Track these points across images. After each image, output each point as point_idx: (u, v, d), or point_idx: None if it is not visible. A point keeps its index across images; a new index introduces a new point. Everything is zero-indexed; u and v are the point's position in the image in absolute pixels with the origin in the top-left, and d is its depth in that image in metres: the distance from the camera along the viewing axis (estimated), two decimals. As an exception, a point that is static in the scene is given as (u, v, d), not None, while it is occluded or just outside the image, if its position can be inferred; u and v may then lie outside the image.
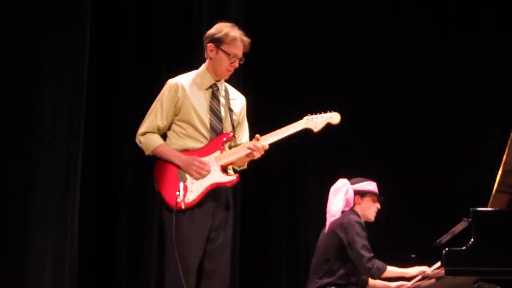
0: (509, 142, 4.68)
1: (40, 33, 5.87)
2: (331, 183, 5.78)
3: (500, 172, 4.76)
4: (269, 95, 7.25)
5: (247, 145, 4.57)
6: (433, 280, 4.87)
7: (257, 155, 4.55)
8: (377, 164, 7.08)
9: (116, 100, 6.41)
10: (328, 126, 4.72)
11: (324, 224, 5.68)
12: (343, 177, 5.76)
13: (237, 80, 6.85)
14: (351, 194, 5.63)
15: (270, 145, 4.59)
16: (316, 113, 4.70)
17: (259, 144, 4.54)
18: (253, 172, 7.00)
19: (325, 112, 4.73)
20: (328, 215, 5.66)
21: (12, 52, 5.76)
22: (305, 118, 4.69)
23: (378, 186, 5.73)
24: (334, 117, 4.72)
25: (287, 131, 4.63)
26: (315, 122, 4.68)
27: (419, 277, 5.29)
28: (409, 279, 5.47)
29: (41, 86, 5.84)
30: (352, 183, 5.67)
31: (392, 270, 5.44)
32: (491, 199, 4.79)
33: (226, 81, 4.82)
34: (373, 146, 7.56)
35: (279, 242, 7.41)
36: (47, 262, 5.71)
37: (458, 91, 7.63)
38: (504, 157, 4.72)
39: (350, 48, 7.64)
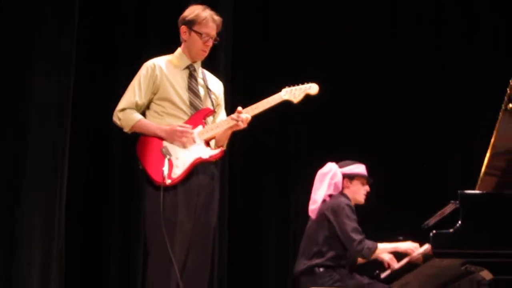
0: (497, 125, 4.68)
1: (32, 30, 5.90)
2: (321, 166, 5.77)
3: (488, 154, 4.75)
4: (256, 81, 7.26)
5: (231, 117, 4.60)
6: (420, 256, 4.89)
7: (241, 125, 4.60)
8: (367, 147, 7.09)
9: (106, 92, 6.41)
10: (308, 97, 4.76)
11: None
12: (333, 160, 5.75)
13: (225, 66, 6.91)
14: (339, 177, 5.63)
15: (253, 118, 4.64)
16: (294, 85, 4.73)
17: (243, 116, 4.58)
18: (242, 154, 7.07)
19: (302, 83, 4.76)
20: (310, 202, 5.66)
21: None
22: (283, 90, 4.76)
23: (367, 169, 5.72)
24: (312, 88, 4.80)
25: (267, 104, 4.69)
26: (294, 93, 4.75)
27: (407, 258, 5.30)
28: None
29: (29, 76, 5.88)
30: (340, 167, 5.67)
31: (383, 247, 5.46)
32: (478, 182, 4.78)
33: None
34: (364, 129, 7.56)
35: (267, 223, 7.42)
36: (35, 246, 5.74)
37: (451, 74, 7.63)
38: (492, 139, 4.71)
39: (342, 29, 7.64)
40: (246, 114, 4.61)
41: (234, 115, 4.62)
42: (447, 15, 7.85)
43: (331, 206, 5.54)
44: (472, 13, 7.81)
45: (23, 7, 5.93)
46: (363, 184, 5.70)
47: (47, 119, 5.94)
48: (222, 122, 4.66)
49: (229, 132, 4.69)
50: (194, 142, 4.56)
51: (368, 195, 5.76)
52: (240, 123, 4.59)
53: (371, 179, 5.72)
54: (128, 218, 6.44)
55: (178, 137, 4.52)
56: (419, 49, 7.73)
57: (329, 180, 5.62)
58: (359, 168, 5.69)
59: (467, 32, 7.82)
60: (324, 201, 5.62)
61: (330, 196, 5.61)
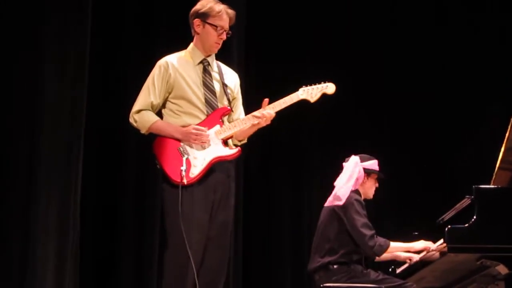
0: (511, 120, 4.68)
1: (41, 22, 5.93)
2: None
3: (502, 149, 4.76)
4: (269, 70, 7.26)
5: (250, 118, 4.60)
6: (438, 254, 4.87)
7: (263, 123, 4.59)
8: (379, 142, 7.08)
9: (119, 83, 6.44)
10: (325, 96, 4.76)
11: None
12: (346, 156, 5.73)
13: (238, 55, 6.91)
14: (362, 173, 5.60)
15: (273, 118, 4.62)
16: (311, 84, 4.74)
17: (266, 112, 4.57)
18: (256, 150, 7.08)
19: (319, 83, 4.78)
20: (333, 197, 5.58)
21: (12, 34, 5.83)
22: (300, 89, 4.74)
23: (380, 164, 5.72)
24: (329, 88, 4.79)
25: (284, 104, 4.67)
26: (311, 93, 4.74)
27: (425, 252, 5.29)
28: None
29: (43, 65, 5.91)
30: (361, 160, 5.63)
31: (396, 246, 5.43)
32: (493, 177, 4.79)
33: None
34: (374, 123, 7.55)
35: (282, 218, 7.42)
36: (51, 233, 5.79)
37: (460, 67, 7.61)
38: (507, 134, 4.72)
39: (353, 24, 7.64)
40: (270, 111, 4.60)
41: (258, 112, 4.60)
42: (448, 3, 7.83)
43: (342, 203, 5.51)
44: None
45: (33, 5, 5.97)
46: (376, 181, 5.69)
47: (61, 118, 5.97)
48: (240, 121, 4.65)
49: (252, 130, 4.66)
50: (209, 143, 4.57)
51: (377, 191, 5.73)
52: (261, 120, 4.56)
53: (382, 174, 5.69)
54: (142, 215, 6.46)
55: (193, 140, 4.53)
56: (425, 44, 7.71)
57: (356, 175, 5.58)
58: (375, 165, 5.67)
59: (473, 23, 7.78)
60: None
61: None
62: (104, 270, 6.40)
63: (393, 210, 6.80)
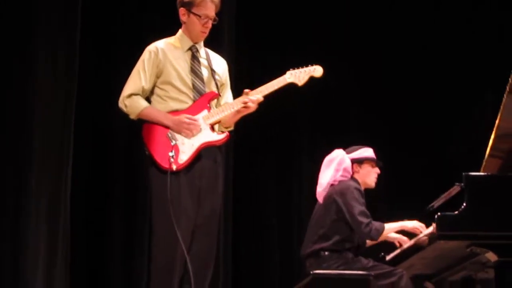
0: (501, 107, 4.67)
1: (33, 23, 5.94)
2: (325, 150, 5.76)
3: (492, 136, 4.76)
4: (260, 57, 7.25)
5: (237, 102, 4.59)
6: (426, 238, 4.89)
7: (251, 106, 4.58)
8: (370, 131, 7.08)
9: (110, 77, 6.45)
10: (312, 79, 4.75)
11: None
12: (337, 145, 5.74)
13: (229, 41, 6.91)
14: (348, 163, 5.62)
15: (260, 106, 4.62)
16: (298, 68, 4.73)
17: (253, 97, 4.57)
18: (246, 140, 7.07)
19: (307, 66, 4.77)
20: (318, 186, 5.66)
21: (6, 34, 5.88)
22: (288, 72, 4.74)
23: (375, 152, 5.72)
24: (317, 70, 4.79)
25: (271, 87, 4.67)
26: (298, 76, 4.74)
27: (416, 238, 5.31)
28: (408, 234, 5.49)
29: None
30: (348, 152, 5.66)
31: (390, 227, 5.46)
32: (483, 164, 4.79)
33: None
34: (366, 112, 7.55)
35: (271, 208, 7.42)
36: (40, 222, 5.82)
37: (452, 55, 7.61)
38: (497, 121, 4.71)
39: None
40: (256, 95, 4.60)
41: (242, 98, 4.60)
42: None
43: (340, 189, 5.52)
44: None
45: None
46: (372, 167, 5.69)
47: (51, 110, 6.00)
48: (227, 105, 4.63)
49: (238, 116, 4.66)
50: (200, 132, 4.56)
51: (378, 179, 5.74)
52: (250, 104, 4.56)
53: (380, 162, 5.70)
54: (133, 205, 6.47)
55: (184, 129, 4.52)
56: (420, 30, 7.70)
57: (336, 166, 5.61)
58: (367, 152, 5.68)
59: (468, 9, 7.77)
60: (332, 185, 5.61)
61: (340, 181, 5.60)
62: (95, 259, 6.43)
63: (385, 197, 6.80)
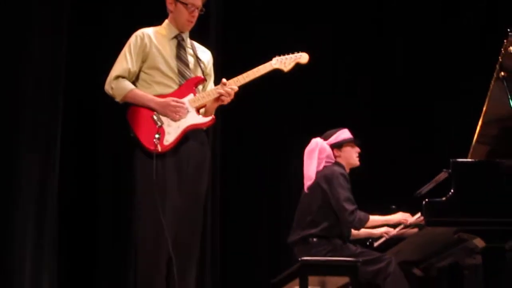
0: (489, 93, 4.69)
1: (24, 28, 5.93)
2: (309, 138, 5.76)
3: (480, 122, 4.77)
4: (247, 46, 7.25)
5: (217, 90, 4.61)
6: (416, 229, 4.90)
7: (226, 99, 4.61)
8: (356, 115, 7.09)
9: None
10: (298, 65, 4.79)
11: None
12: (320, 132, 5.75)
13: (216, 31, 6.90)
14: (328, 150, 5.63)
15: (241, 87, 4.64)
16: (284, 54, 4.75)
17: (228, 88, 4.59)
18: (233, 130, 7.07)
19: (293, 53, 4.80)
20: (305, 179, 5.66)
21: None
22: (274, 59, 4.78)
23: (351, 132, 5.72)
24: (303, 57, 4.84)
25: (258, 72, 4.70)
26: (284, 62, 4.78)
27: (402, 226, 5.33)
28: (393, 226, 5.50)
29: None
30: (325, 139, 5.67)
31: (375, 219, 5.48)
32: (471, 150, 4.81)
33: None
34: (351, 95, 7.55)
35: (259, 192, 7.43)
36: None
37: (439, 41, 7.61)
38: (484, 108, 4.73)
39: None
40: (232, 86, 4.61)
41: (219, 89, 4.61)
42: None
43: (325, 175, 5.54)
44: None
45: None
46: (352, 147, 5.70)
47: (41, 91, 5.99)
48: (213, 91, 4.65)
49: (215, 105, 4.68)
50: (186, 115, 4.56)
51: (361, 156, 5.74)
52: (224, 97, 4.59)
53: (358, 140, 5.71)
54: (121, 188, 6.47)
55: (171, 111, 4.52)
56: (405, 11, 7.70)
57: (317, 155, 5.62)
58: (344, 134, 5.69)
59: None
60: (317, 172, 5.62)
61: (324, 167, 5.61)
62: (82, 250, 6.43)
63: (371, 184, 6.81)
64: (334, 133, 5.69)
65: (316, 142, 5.68)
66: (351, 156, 5.69)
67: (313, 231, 5.48)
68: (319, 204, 5.52)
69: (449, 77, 7.48)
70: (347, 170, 5.65)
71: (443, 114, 7.41)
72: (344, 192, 5.43)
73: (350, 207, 5.38)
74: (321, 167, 5.61)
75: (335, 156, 5.65)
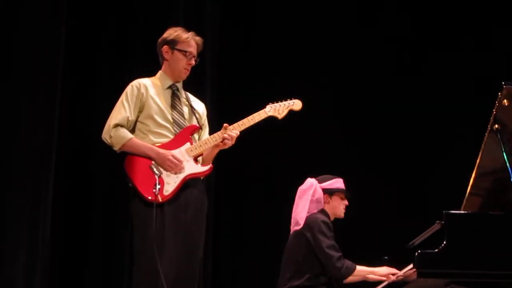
0: (482, 145, 4.70)
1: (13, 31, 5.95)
2: (300, 181, 5.75)
3: (473, 175, 4.77)
4: (242, 91, 7.29)
5: (219, 135, 4.64)
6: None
7: (229, 143, 4.65)
8: (349, 164, 7.09)
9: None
10: (291, 113, 4.84)
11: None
12: (314, 174, 5.73)
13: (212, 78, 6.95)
14: (320, 193, 5.59)
15: (239, 137, 4.69)
16: (278, 101, 4.82)
17: (231, 132, 4.64)
18: (227, 169, 7.07)
19: (286, 100, 4.87)
20: (292, 222, 5.63)
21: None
22: (268, 106, 4.83)
23: (345, 183, 5.71)
24: (296, 104, 4.91)
25: (252, 120, 4.74)
26: (278, 109, 4.84)
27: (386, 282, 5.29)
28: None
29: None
30: (319, 182, 5.63)
31: (361, 269, 5.43)
32: (464, 202, 4.81)
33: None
34: (345, 145, 7.56)
35: (253, 237, 7.40)
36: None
37: (429, 90, 7.65)
38: (478, 160, 4.74)
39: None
40: (234, 130, 4.66)
41: (222, 132, 4.66)
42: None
43: (308, 223, 5.48)
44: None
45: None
46: (342, 199, 5.67)
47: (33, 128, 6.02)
48: (210, 139, 4.67)
49: (216, 150, 4.72)
50: (184, 166, 4.58)
51: (346, 209, 5.72)
52: (227, 141, 4.62)
53: (349, 193, 5.69)
54: (112, 233, 6.45)
55: (167, 166, 4.55)
56: (395, 60, 7.75)
57: (310, 197, 5.58)
58: (338, 183, 5.66)
59: (448, 45, 7.83)
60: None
61: (308, 215, 5.56)
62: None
63: (364, 234, 6.78)
64: (330, 179, 5.66)
65: (311, 183, 5.64)
66: (338, 207, 5.65)
67: (297, 282, 5.40)
68: (304, 253, 5.44)
69: (444, 129, 7.50)
70: (331, 219, 5.61)
71: (437, 164, 7.41)
72: (326, 239, 5.38)
73: (335, 254, 5.34)
74: (310, 210, 5.55)
75: (324, 202, 5.61)
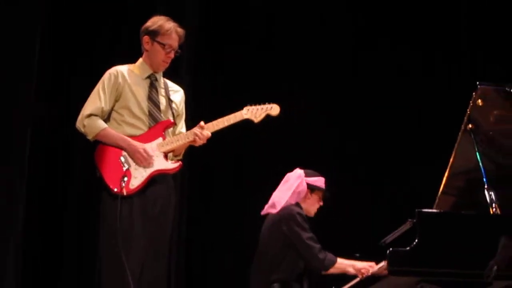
0: (456, 145, 4.72)
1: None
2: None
3: (446, 174, 4.80)
4: (220, 83, 7.27)
5: (194, 132, 4.63)
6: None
7: (200, 142, 4.64)
8: (323, 160, 7.08)
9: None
10: (268, 117, 4.79)
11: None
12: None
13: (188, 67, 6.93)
14: (304, 188, 5.55)
15: (213, 134, 4.68)
16: (256, 104, 4.76)
17: (204, 133, 4.61)
18: (200, 165, 7.06)
19: (264, 103, 4.82)
20: (269, 203, 5.58)
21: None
22: (245, 108, 4.80)
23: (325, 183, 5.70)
24: (274, 109, 4.85)
25: (228, 122, 4.72)
26: (255, 113, 4.79)
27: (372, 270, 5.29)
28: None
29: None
30: (306, 175, 5.60)
31: (341, 262, 5.39)
32: (436, 201, 4.84)
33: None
34: (319, 142, 7.57)
35: (226, 234, 7.38)
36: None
37: (410, 92, 7.67)
38: (451, 159, 4.77)
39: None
40: (207, 131, 4.64)
41: (196, 130, 4.63)
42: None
43: (283, 216, 5.43)
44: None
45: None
46: (319, 199, 5.66)
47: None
48: (182, 136, 4.67)
49: (187, 144, 4.71)
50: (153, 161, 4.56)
51: (320, 210, 5.71)
52: (198, 140, 4.62)
53: (327, 193, 5.68)
54: (86, 224, 6.42)
55: (137, 158, 4.54)
56: (377, 61, 7.77)
57: (295, 188, 5.55)
58: (321, 182, 5.63)
59: (429, 50, 7.86)
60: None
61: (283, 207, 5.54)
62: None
63: (336, 231, 6.78)
64: (316, 176, 5.62)
65: (300, 174, 5.59)
66: (314, 206, 5.63)
67: (274, 276, 5.37)
68: (278, 246, 5.39)
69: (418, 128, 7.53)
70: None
71: (410, 164, 7.43)
72: (305, 232, 5.34)
73: (316, 245, 5.33)
74: (291, 201, 5.52)
75: (304, 196, 5.59)
